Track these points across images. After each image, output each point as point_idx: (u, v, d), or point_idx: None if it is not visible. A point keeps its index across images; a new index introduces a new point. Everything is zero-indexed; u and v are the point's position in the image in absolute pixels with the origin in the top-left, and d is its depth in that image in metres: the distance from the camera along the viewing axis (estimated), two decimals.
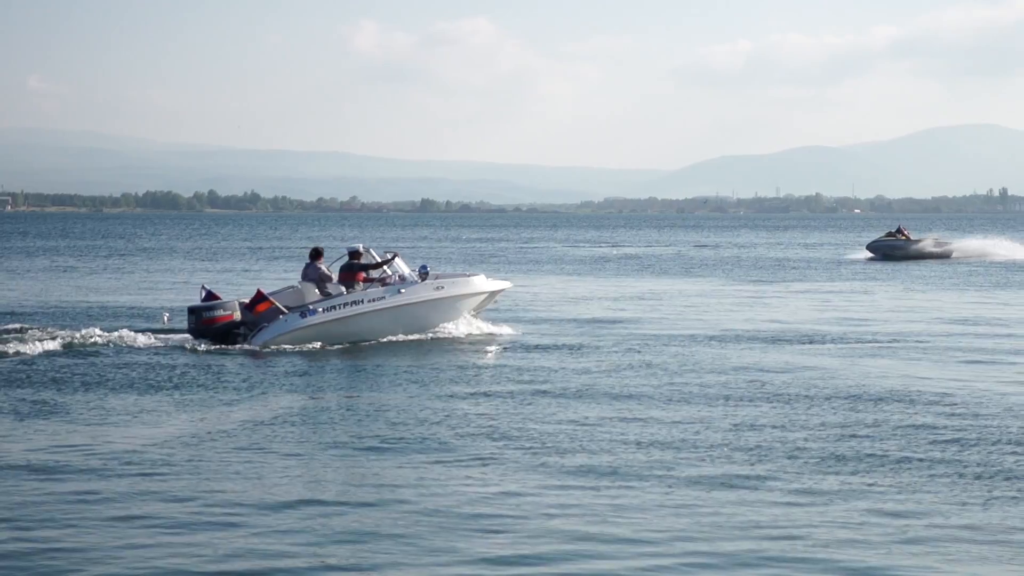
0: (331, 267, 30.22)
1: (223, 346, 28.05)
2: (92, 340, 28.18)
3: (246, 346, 27.90)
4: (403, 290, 29.34)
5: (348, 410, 20.12)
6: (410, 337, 29.26)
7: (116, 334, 28.86)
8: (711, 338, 30.33)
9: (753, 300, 43.73)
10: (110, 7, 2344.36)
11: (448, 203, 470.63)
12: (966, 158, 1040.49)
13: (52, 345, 27.32)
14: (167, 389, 22.32)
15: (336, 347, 27.96)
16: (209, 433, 18.16)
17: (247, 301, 28.92)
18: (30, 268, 65.37)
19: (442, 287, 29.95)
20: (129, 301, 41.95)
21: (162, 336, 29.10)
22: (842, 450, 16.80)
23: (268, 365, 25.56)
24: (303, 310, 28.49)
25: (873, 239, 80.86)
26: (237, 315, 28.61)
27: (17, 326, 30.27)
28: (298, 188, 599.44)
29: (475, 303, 30.81)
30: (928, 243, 74.67)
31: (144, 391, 22.10)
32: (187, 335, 28.85)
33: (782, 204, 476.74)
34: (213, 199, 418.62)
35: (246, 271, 64.07)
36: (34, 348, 26.86)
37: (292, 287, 30.21)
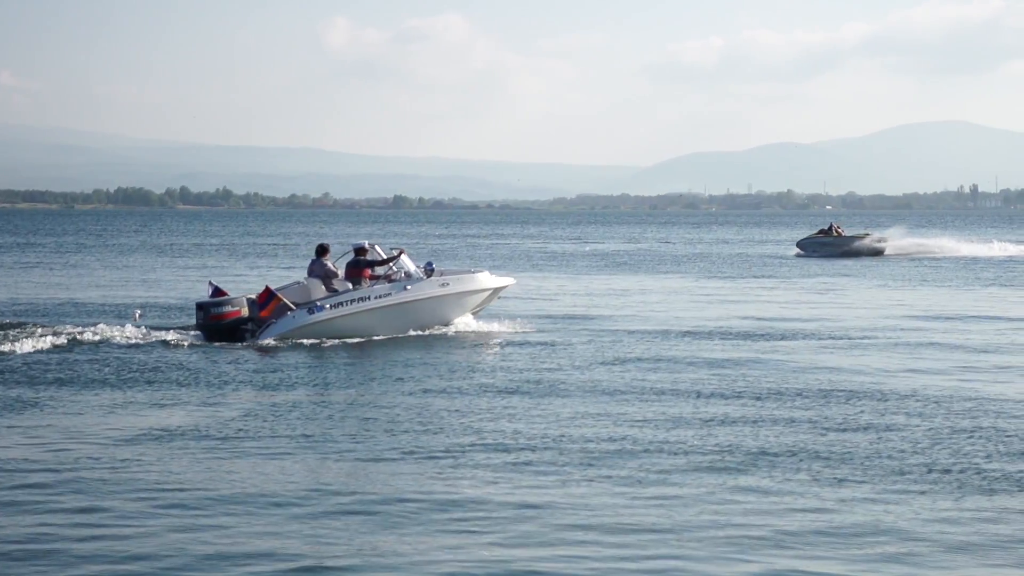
0: (336, 263, 30.31)
1: (207, 342, 28.06)
2: (87, 336, 28.07)
3: (255, 342, 27.93)
4: (409, 287, 29.53)
5: (319, 406, 20.08)
6: (415, 334, 29.34)
7: (108, 329, 28.86)
8: (684, 334, 30.38)
9: (719, 296, 43.84)
10: (83, 2, 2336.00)
11: (421, 200, 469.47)
12: (937, 155, 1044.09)
13: (42, 342, 26.99)
14: (140, 384, 22.26)
15: (324, 344, 27.87)
16: (179, 427, 18.15)
17: (254, 297, 29.04)
18: None
19: (447, 284, 30.17)
20: (99, 297, 41.79)
21: (161, 331, 29.08)
22: (813, 445, 16.84)
23: (250, 360, 25.56)
24: (311, 306, 28.62)
25: (803, 236, 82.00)
26: (245, 311, 28.72)
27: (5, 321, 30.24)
28: (270, 184, 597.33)
29: (479, 300, 31.00)
30: (860, 240, 74.85)
31: (119, 387, 22.03)
32: (181, 330, 29.01)
33: (754, 200, 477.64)
34: (185, 195, 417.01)
35: (216, 267, 63.90)
36: (21, 346, 26.59)
37: (298, 283, 30.35)
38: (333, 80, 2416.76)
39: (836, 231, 75.85)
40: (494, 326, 30.71)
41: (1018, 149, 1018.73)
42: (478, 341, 28.88)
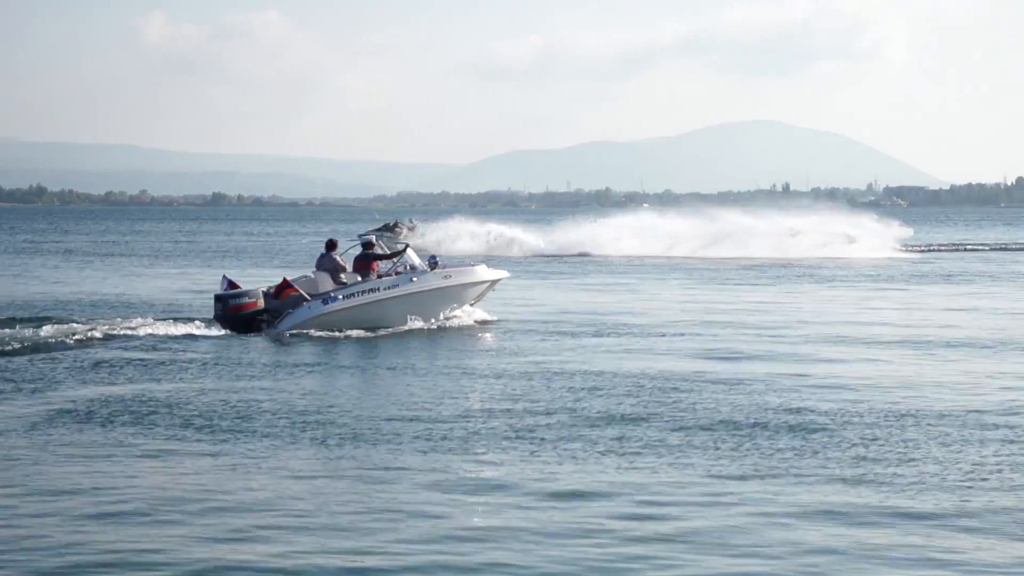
0: (344, 256, 32.19)
1: (227, 332, 29.51)
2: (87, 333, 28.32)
3: (272, 332, 29.54)
4: (415, 279, 31.23)
5: (266, 393, 20.97)
6: (421, 326, 30.74)
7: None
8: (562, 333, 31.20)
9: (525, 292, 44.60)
10: None
11: (240, 197, 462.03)
12: (751, 153, 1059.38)
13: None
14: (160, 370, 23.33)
15: (336, 334, 29.31)
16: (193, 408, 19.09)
17: (267, 289, 30.78)
18: None
19: (450, 276, 31.99)
20: None
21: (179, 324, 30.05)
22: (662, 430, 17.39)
23: (268, 349, 27.03)
24: (324, 297, 30.24)
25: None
26: (261, 303, 30.32)
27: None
28: (86, 181, 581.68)
29: (479, 291, 32.94)
30: (401, 233, 75.00)
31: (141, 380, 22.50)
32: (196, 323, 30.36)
33: (573, 198, 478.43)
34: None
35: (21, 265, 62.92)
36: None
37: (306, 276, 31.87)
38: (150, 76, 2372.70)
39: (399, 227, 76.41)
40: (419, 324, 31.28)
41: (827, 147, 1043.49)
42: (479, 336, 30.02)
